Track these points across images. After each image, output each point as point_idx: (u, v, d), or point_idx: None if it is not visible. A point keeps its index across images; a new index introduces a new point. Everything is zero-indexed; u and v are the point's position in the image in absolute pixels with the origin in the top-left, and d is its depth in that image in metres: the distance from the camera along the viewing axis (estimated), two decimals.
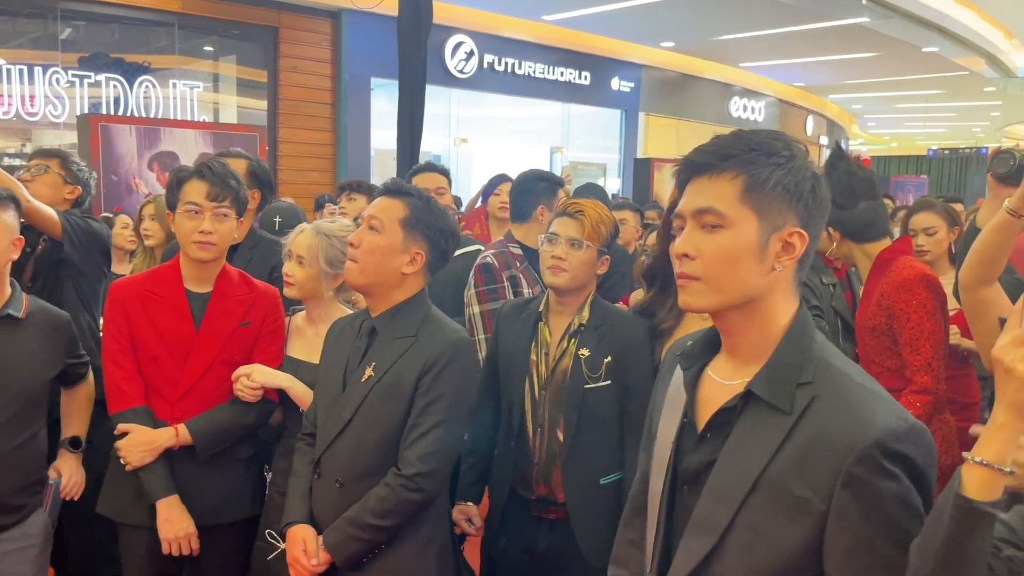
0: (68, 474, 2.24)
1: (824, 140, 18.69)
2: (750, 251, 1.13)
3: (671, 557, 1.21)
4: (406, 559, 1.91)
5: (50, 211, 2.71)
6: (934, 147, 22.47)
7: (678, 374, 1.28)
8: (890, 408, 1.08)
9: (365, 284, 1.95)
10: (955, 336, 2.80)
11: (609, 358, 2.12)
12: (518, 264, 2.84)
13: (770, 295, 1.15)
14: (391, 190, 1.99)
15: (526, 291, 2.79)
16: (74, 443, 2.27)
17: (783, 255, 1.14)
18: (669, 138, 13.53)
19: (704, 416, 1.21)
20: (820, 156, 15.78)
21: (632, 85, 12.86)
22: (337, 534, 1.88)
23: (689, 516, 1.19)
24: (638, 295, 3.40)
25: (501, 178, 4.27)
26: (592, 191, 4.05)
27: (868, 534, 1.05)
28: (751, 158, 1.13)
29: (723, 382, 1.20)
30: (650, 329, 2.19)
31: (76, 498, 2.24)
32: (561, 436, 2.12)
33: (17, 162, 7.60)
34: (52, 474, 2.17)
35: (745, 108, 15.38)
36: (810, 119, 18.14)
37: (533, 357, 2.18)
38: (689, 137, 13.60)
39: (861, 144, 25.81)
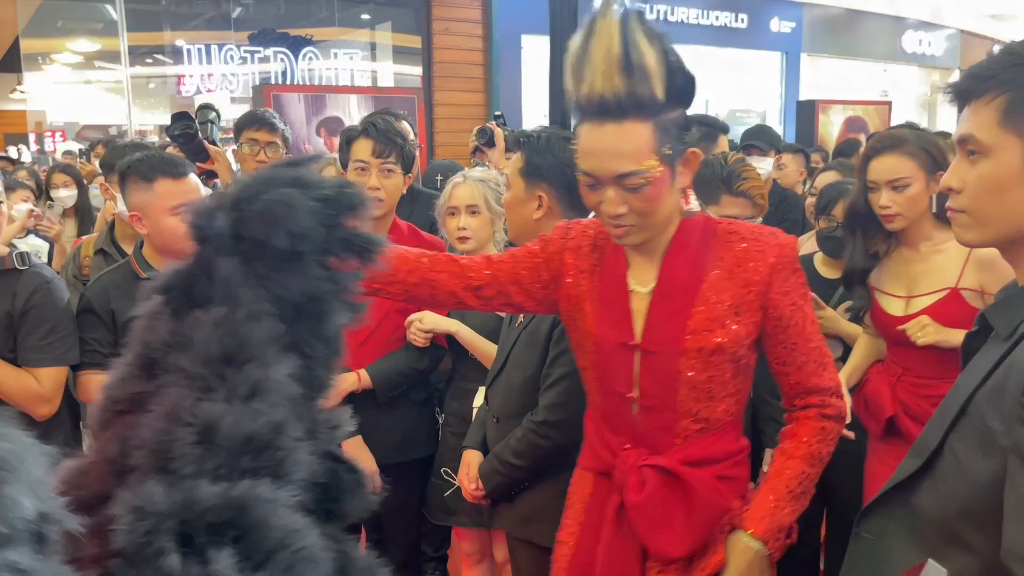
0: None
1: None
2: (1015, 179, 1.01)
3: None
4: (547, 499, 1.89)
5: None
6: None
7: None
8: None
9: (512, 239, 2.02)
10: None
11: None
12: None
13: None
14: (510, 144, 2.02)
15: None
16: None
17: None
18: (834, 80, 12.71)
19: None
20: None
21: (793, 25, 12.13)
22: (486, 465, 2.02)
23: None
24: (804, 239, 3.27)
25: None
26: (763, 133, 3.90)
27: None
28: (1012, 75, 1.00)
29: None
30: None
31: None
32: None
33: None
34: None
35: (921, 43, 14.11)
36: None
37: None
38: (856, 78, 12.73)
39: None
